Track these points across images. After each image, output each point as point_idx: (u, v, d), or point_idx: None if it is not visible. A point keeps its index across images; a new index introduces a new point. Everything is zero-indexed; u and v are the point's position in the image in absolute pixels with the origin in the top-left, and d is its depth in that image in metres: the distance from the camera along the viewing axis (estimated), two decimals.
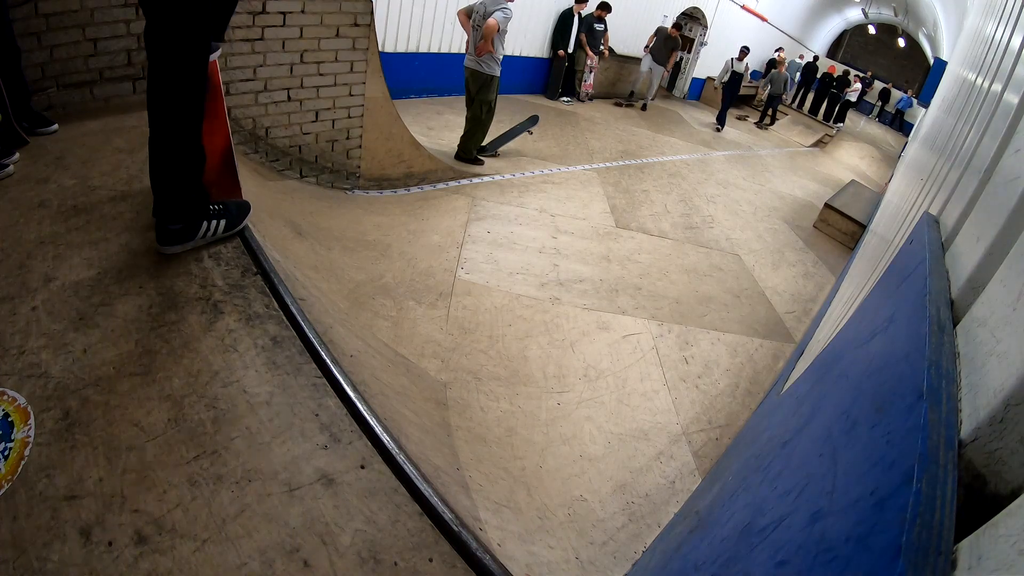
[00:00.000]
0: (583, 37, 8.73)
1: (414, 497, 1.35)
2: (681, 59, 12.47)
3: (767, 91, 11.61)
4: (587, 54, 8.90)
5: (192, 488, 1.23)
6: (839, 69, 16.92)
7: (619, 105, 9.90)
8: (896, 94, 19.29)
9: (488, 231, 4.06)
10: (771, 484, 0.98)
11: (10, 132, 2.04)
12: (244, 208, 1.97)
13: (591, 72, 9.22)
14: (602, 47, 9.09)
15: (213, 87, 1.77)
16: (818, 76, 15.59)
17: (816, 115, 15.11)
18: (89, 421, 1.29)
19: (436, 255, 3.55)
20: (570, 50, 8.80)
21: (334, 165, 3.93)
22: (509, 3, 4.70)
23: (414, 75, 6.89)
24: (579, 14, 8.61)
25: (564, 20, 8.57)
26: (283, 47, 3.24)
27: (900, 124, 18.49)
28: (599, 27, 8.91)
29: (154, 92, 1.55)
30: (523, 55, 8.57)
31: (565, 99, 9.11)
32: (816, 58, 15.61)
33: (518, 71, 8.41)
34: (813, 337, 2.98)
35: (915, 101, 17.12)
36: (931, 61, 15.95)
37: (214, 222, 1.83)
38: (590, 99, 9.53)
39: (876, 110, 20.19)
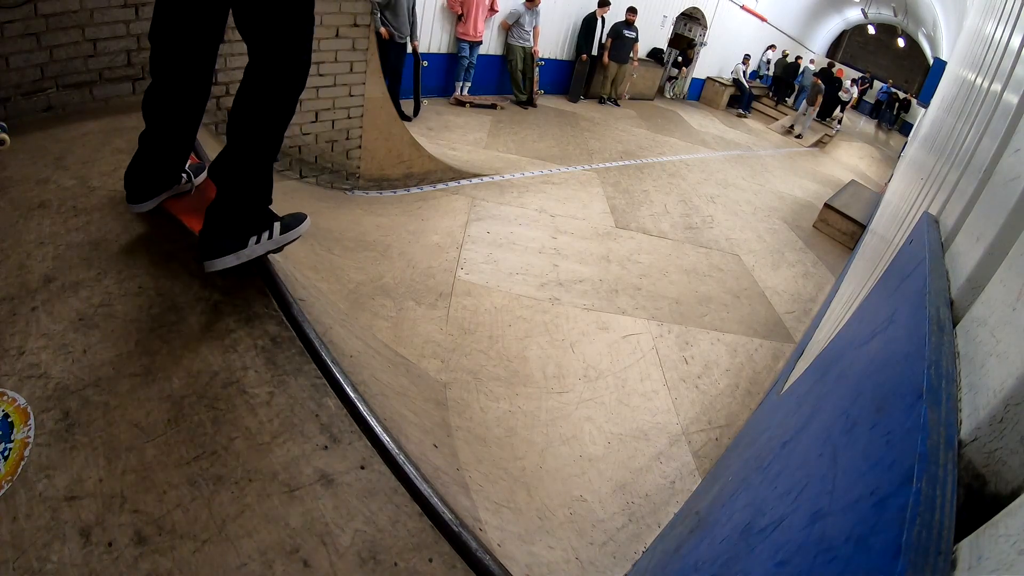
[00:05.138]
0: (608, 43, 8.90)
1: (414, 497, 1.35)
2: (680, 57, 12.47)
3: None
4: (604, 62, 9.05)
5: (192, 488, 1.22)
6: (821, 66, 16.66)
7: (602, 102, 9.87)
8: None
9: (488, 231, 4.06)
10: (771, 484, 0.98)
11: None
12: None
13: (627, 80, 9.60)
14: (632, 56, 9.26)
15: None
16: (801, 73, 15.19)
17: (824, 117, 15.03)
18: (89, 421, 1.28)
19: (436, 255, 3.55)
20: (594, 53, 8.87)
21: (334, 165, 3.93)
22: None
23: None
24: (602, 18, 8.65)
25: (588, 24, 8.60)
26: None
27: (879, 113, 18.76)
28: (630, 34, 8.98)
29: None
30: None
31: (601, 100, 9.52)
32: (798, 58, 15.15)
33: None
34: (813, 337, 2.98)
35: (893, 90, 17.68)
36: (930, 61, 15.91)
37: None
38: (615, 103, 9.75)
39: (888, 115, 19.69)
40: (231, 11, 1.49)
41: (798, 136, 11.89)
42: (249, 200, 1.61)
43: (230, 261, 1.60)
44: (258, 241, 1.64)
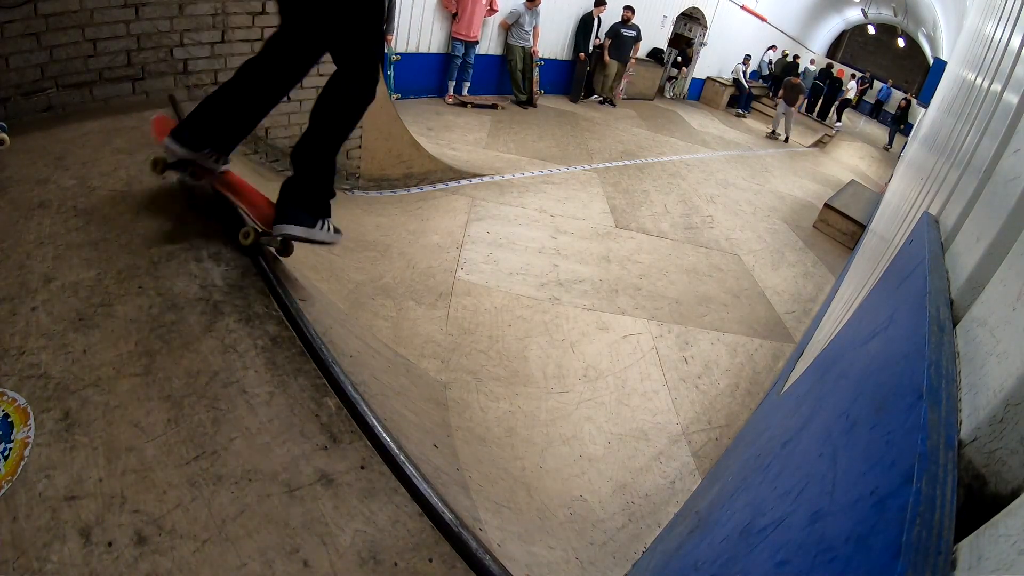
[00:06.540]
0: (607, 42, 8.88)
1: (414, 497, 1.35)
2: (680, 57, 12.47)
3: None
4: (604, 61, 9.05)
5: (192, 488, 1.22)
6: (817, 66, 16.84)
7: (601, 103, 9.75)
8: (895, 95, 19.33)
9: (488, 231, 4.06)
10: (771, 484, 0.99)
11: None
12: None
13: (621, 79, 9.55)
14: (631, 56, 9.26)
15: None
16: (800, 73, 15.17)
17: (824, 117, 15.03)
18: (89, 421, 1.28)
19: (436, 255, 3.55)
20: (591, 51, 8.91)
21: None
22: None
23: (414, 75, 6.88)
24: (599, 18, 8.66)
25: (585, 23, 8.61)
26: None
27: (878, 114, 19.43)
28: (628, 33, 8.96)
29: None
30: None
31: (596, 98, 9.49)
32: (796, 56, 15.13)
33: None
34: (813, 337, 2.98)
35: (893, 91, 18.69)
36: (930, 61, 15.90)
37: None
38: (611, 103, 9.72)
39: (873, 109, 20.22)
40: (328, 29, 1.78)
41: (785, 140, 11.52)
42: (321, 181, 1.88)
43: (299, 231, 1.84)
44: (321, 228, 1.91)
